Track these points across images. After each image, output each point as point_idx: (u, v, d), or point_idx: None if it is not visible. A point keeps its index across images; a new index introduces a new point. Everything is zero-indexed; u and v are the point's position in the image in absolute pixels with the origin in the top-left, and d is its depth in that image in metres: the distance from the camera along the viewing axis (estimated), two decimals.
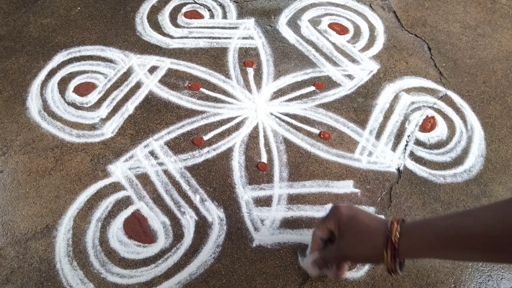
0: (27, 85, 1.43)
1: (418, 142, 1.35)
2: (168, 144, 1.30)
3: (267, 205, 1.17)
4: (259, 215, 1.15)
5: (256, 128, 1.35)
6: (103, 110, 1.37)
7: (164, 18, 1.68)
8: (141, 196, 1.18)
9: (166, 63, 1.52)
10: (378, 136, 1.35)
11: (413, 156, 1.31)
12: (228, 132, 1.34)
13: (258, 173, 1.24)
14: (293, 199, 1.19)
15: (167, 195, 1.18)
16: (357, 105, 1.43)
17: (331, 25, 1.70)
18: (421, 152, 1.32)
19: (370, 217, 0.80)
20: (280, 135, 1.34)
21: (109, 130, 1.32)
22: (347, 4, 1.80)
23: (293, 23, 1.70)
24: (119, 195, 1.18)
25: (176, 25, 1.66)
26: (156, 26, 1.65)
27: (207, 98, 1.43)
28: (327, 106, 1.43)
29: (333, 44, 1.63)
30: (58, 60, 1.51)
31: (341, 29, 1.69)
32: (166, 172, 1.23)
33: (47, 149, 1.27)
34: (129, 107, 1.38)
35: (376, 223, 0.77)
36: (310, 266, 0.96)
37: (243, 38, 1.63)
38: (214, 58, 1.55)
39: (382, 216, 0.83)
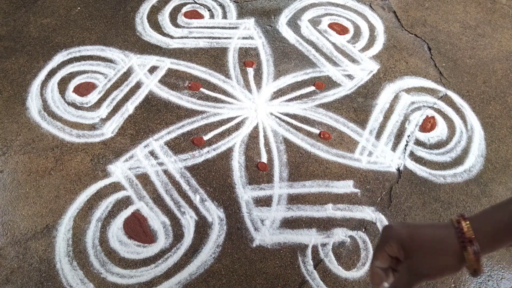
0: (27, 85, 1.43)
1: (418, 142, 1.35)
2: (168, 144, 1.30)
3: (267, 205, 1.17)
4: (259, 215, 1.15)
5: (256, 128, 1.35)
6: (103, 110, 1.37)
7: (164, 18, 1.68)
8: (141, 196, 1.18)
9: (166, 63, 1.52)
10: (378, 136, 1.35)
11: (413, 156, 1.31)
12: (228, 132, 1.34)
13: (258, 173, 1.24)
14: (293, 199, 1.19)
15: (167, 195, 1.18)
16: (357, 105, 1.43)
17: (331, 25, 1.70)
18: (421, 152, 1.32)
19: (430, 225, 0.77)
20: (280, 135, 1.34)
21: (109, 130, 1.32)
22: (347, 4, 1.80)
23: (293, 23, 1.70)
24: (119, 195, 1.18)
25: (176, 25, 1.66)
26: (156, 26, 1.65)
27: (207, 98, 1.43)
28: (327, 106, 1.43)
29: (333, 44, 1.63)
30: (58, 60, 1.51)
31: (341, 29, 1.69)
32: (166, 172, 1.23)
33: (47, 149, 1.27)
34: (129, 107, 1.38)
35: (440, 228, 0.74)
36: None
37: (243, 38, 1.63)
38: (214, 58, 1.55)
39: (438, 222, 0.82)
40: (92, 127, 1.33)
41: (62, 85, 1.44)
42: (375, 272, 0.94)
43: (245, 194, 1.19)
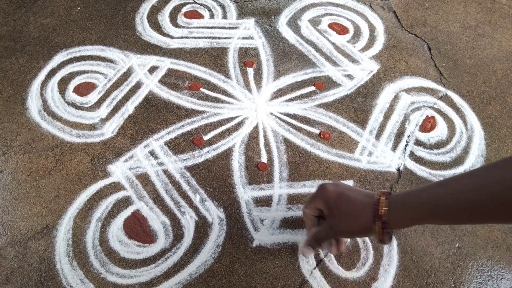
0: (27, 85, 1.43)
1: (418, 142, 1.35)
2: (168, 144, 1.30)
3: (267, 205, 1.17)
4: (259, 215, 1.15)
5: (256, 128, 1.35)
6: (103, 110, 1.37)
7: (164, 18, 1.68)
8: (141, 196, 1.18)
9: (166, 63, 1.52)
10: (378, 136, 1.35)
11: (413, 156, 1.31)
12: (228, 132, 1.34)
13: (258, 173, 1.24)
14: (293, 199, 1.19)
15: (167, 195, 1.18)
16: (357, 105, 1.43)
17: (331, 25, 1.70)
18: (421, 152, 1.32)
19: (357, 193, 0.84)
20: (280, 135, 1.34)
21: (109, 130, 1.33)
22: (347, 4, 1.80)
23: (293, 23, 1.70)
24: (119, 195, 1.18)
25: (176, 25, 1.66)
26: (156, 26, 1.65)
27: (207, 98, 1.43)
28: (327, 106, 1.43)
29: (333, 44, 1.63)
30: (58, 60, 1.51)
31: (341, 29, 1.69)
32: (166, 172, 1.23)
33: (47, 149, 1.27)
34: (129, 107, 1.39)
35: (364, 197, 0.81)
36: (304, 247, 0.98)
37: (243, 38, 1.63)
38: (214, 58, 1.55)
39: (369, 191, 0.86)
40: (92, 127, 1.33)
41: (62, 85, 1.44)
42: (307, 216, 1.02)
43: (245, 194, 1.19)
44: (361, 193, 0.84)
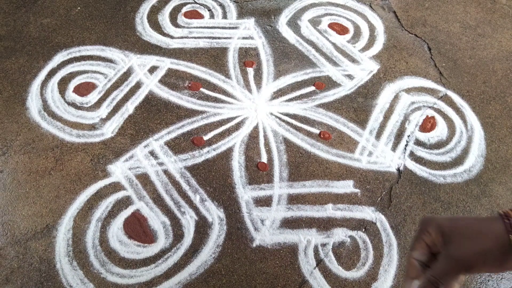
0: (27, 85, 1.43)
1: (418, 142, 1.35)
2: (168, 144, 1.30)
3: (267, 205, 1.17)
4: (259, 215, 1.15)
5: (256, 128, 1.35)
6: (103, 110, 1.37)
7: (164, 18, 1.68)
8: (141, 196, 1.18)
9: (166, 63, 1.52)
10: (378, 136, 1.35)
11: (413, 156, 1.31)
12: (228, 132, 1.34)
13: (258, 173, 1.24)
14: (293, 199, 1.19)
15: (167, 195, 1.18)
16: (357, 105, 1.43)
17: (331, 25, 1.70)
18: (421, 152, 1.32)
19: (472, 216, 0.77)
20: (280, 135, 1.34)
21: (109, 130, 1.32)
22: (347, 4, 1.80)
23: (293, 23, 1.70)
24: (119, 195, 1.18)
25: (176, 25, 1.66)
26: (156, 26, 1.65)
27: (207, 98, 1.43)
28: (327, 106, 1.43)
29: (333, 44, 1.63)
30: (58, 60, 1.51)
31: (341, 29, 1.69)
32: (166, 172, 1.23)
33: (47, 149, 1.27)
34: (129, 107, 1.38)
35: (483, 218, 0.70)
36: None
37: (243, 38, 1.63)
38: (214, 58, 1.55)
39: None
40: (92, 127, 1.33)
41: (62, 85, 1.44)
42: (411, 263, 0.84)
43: (245, 194, 1.19)
44: (475, 216, 0.77)
